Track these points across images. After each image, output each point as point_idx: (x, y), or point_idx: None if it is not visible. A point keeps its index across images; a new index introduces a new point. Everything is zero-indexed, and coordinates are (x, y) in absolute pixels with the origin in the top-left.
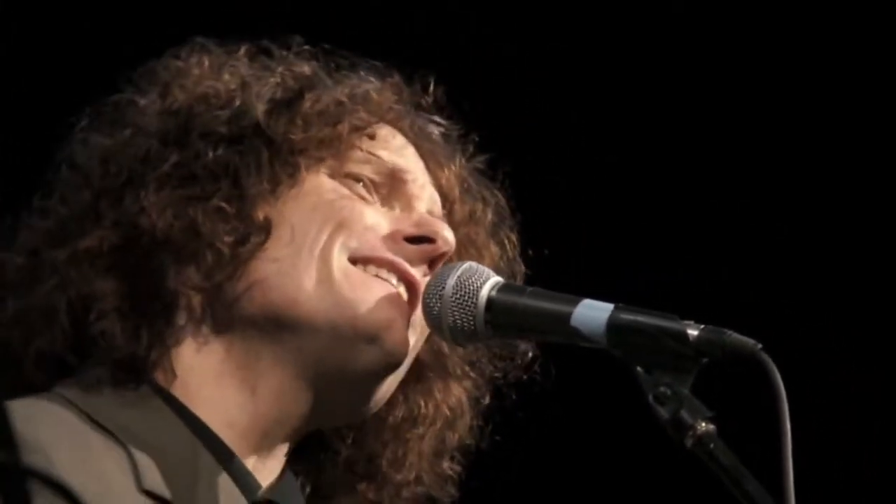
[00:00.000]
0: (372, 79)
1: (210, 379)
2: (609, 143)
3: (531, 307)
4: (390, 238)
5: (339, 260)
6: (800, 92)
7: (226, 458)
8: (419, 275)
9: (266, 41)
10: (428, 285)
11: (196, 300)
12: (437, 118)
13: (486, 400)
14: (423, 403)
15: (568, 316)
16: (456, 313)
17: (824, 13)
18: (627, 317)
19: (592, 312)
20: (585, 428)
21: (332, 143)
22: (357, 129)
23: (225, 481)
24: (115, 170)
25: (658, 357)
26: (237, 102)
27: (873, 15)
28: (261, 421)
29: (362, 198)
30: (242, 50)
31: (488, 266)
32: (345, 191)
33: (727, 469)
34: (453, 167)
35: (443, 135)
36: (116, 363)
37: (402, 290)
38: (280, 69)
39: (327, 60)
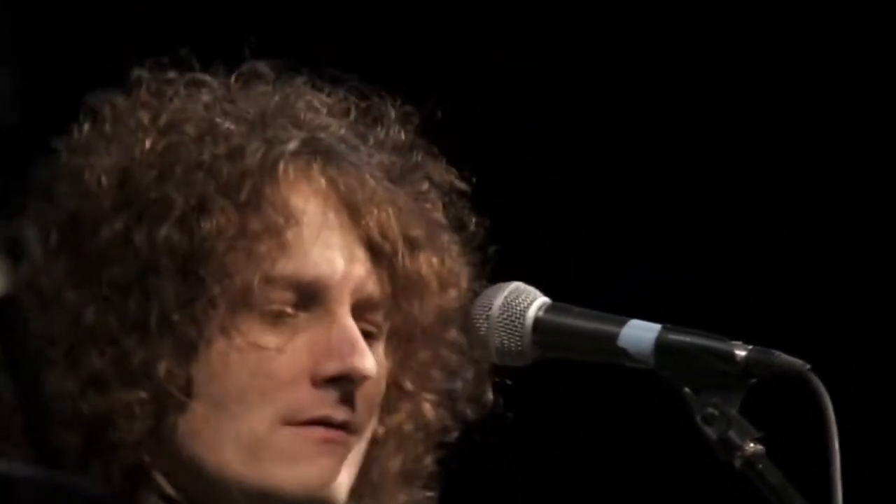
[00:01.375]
0: (318, 101)
1: None
2: (608, 144)
3: (578, 327)
4: (312, 384)
5: (261, 429)
6: (799, 92)
7: None
8: (346, 412)
9: (206, 75)
10: (475, 306)
11: (136, 457)
12: (388, 138)
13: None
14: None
15: (615, 336)
16: (503, 334)
17: (824, 13)
18: (675, 337)
19: (640, 333)
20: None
21: (246, 291)
22: (269, 266)
23: None
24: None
25: (705, 377)
26: (145, 239)
27: (873, 15)
28: None
29: (281, 324)
30: (180, 98)
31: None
32: (263, 339)
33: (776, 489)
34: (398, 202)
35: (395, 150)
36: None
37: (331, 433)
38: (218, 133)
39: (277, 82)
